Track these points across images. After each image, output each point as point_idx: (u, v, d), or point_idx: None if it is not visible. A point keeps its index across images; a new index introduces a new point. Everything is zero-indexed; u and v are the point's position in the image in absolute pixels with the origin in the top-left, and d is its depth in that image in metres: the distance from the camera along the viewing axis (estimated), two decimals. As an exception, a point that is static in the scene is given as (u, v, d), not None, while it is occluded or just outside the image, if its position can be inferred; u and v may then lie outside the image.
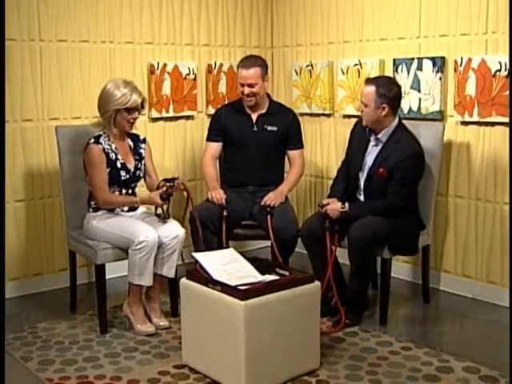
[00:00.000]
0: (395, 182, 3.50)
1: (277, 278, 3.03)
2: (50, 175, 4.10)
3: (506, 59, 3.64)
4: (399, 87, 3.58)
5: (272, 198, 3.84)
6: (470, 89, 3.81)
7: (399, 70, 4.13)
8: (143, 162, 3.70)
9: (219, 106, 4.28)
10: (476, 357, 3.19)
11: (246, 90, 3.89)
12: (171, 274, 3.58)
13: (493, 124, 3.78)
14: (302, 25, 4.74)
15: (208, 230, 3.77)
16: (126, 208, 3.64)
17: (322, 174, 4.79)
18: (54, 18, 4.02)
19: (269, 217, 3.75)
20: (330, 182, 3.97)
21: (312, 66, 4.66)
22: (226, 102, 4.39)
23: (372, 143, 3.63)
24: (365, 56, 4.35)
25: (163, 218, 3.57)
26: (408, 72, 4.08)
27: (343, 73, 4.47)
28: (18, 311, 3.82)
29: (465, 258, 4.03)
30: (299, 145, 4.08)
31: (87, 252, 3.60)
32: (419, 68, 4.03)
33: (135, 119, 3.59)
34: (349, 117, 4.46)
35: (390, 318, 3.64)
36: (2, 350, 2.72)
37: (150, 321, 3.56)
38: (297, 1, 4.80)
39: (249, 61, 3.92)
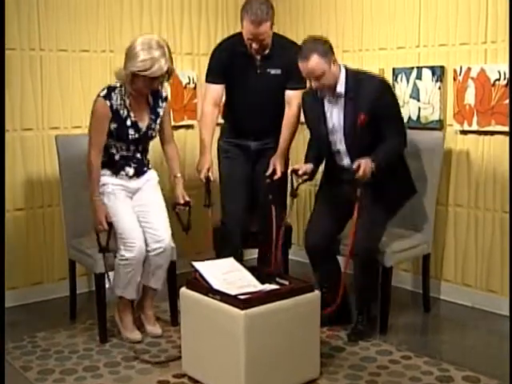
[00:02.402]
0: (386, 119, 3.36)
1: (276, 287, 3.04)
2: (50, 184, 4.11)
3: (505, 68, 3.65)
4: (319, 37, 3.43)
5: (274, 167, 3.69)
6: (470, 98, 3.83)
7: (399, 79, 4.14)
8: (158, 121, 3.51)
9: (218, 44, 3.89)
10: (476, 366, 3.19)
11: (255, 45, 3.59)
12: (158, 286, 3.58)
13: (492, 133, 3.79)
14: (301, 34, 4.69)
15: (232, 245, 3.80)
16: (131, 172, 3.49)
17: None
18: (54, 27, 4.05)
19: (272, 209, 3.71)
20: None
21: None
22: (225, 38, 3.94)
23: (329, 103, 3.46)
24: (364, 65, 4.35)
25: None
26: (407, 81, 4.09)
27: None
28: (18, 320, 3.83)
29: (465, 267, 4.04)
30: (298, 84, 3.71)
31: (87, 261, 3.61)
32: (419, 77, 4.05)
33: (154, 87, 3.35)
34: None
35: (391, 327, 3.65)
36: (2, 359, 2.72)
37: (139, 328, 3.55)
38: (296, 10, 4.82)
39: (258, 13, 3.47)
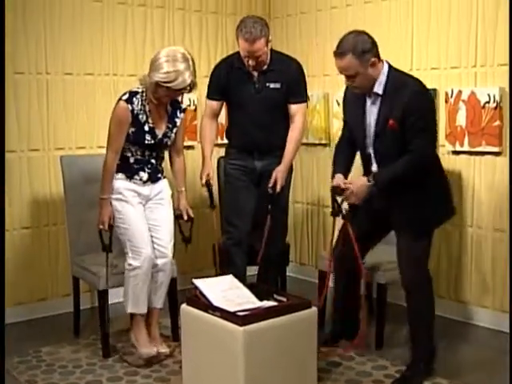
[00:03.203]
0: (412, 131, 3.06)
1: (275, 304, 3.09)
2: (55, 203, 4.20)
3: (494, 91, 3.77)
4: (365, 32, 3.15)
5: (276, 179, 3.71)
6: (461, 119, 3.93)
7: (393, 101, 4.24)
8: (174, 131, 3.53)
9: (217, 63, 3.94)
10: (469, 380, 3.27)
11: (251, 61, 3.62)
12: (161, 305, 3.61)
13: (483, 153, 3.90)
14: (298, 57, 4.79)
15: (236, 267, 3.80)
16: (145, 177, 3.50)
17: (318, 202, 4.89)
18: (60, 52, 4.17)
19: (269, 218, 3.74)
20: (327, 210, 4.01)
21: (308, 97, 4.76)
22: (224, 57, 4.02)
23: (369, 102, 3.22)
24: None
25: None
26: (401, 103, 4.19)
27: (339, 104, 4.51)
28: (23, 335, 3.89)
29: (458, 284, 4.13)
30: (301, 98, 3.80)
31: (90, 278, 3.68)
32: (412, 99, 4.15)
33: (176, 97, 3.41)
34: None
35: (386, 343, 3.71)
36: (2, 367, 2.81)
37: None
38: (293, 34, 4.95)
39: (251, 31, 3.53)
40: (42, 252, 4.23)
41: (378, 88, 3.14)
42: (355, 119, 3.27)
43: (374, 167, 3.25)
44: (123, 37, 4.43)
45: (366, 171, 3.29)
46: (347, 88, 3.36)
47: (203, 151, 3.87)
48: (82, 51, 4.25)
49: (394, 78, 3.14)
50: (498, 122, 3.78)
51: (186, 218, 3.64)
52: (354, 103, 3.29)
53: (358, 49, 3.04)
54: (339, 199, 3.26)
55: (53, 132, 4.19)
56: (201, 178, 3.84)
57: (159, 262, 3.53)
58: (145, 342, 3.53)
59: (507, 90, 3.75)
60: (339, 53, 3.08)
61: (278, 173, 3.75)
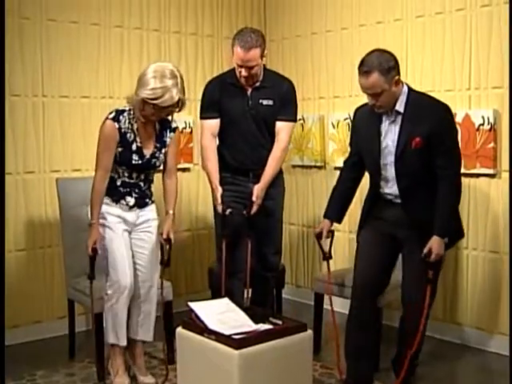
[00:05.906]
0: (442, 150, 3.07)
1: (270, 327, 3.08)
2: (51, 225, 4.20)
3: (488, 114, 3.80)
4: (387, 51, 3.15)
5: (254, 200, 3.64)
6: (456, 142, 3.98)
7: (387, 123, 4.26)
8: (163, 151, 3.40)
9: (209, 80, 3.90)
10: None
11: (244, 72, 3.59)
12: (149, 338, 3.55)
13: (477, 175, 3.92)
14: (294, 80, 4.85)
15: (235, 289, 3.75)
16: (131, 202, 3.39)
17: (314, 224, 4.88)
18: (56, 75, 4.19)
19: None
20: (322, 232, 4.02)
21: (304, 119, 4.81)
22: (216, 75, 4.01)
23: (387, 122, 3.17)
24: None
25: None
26: (396, 126, 4.21)
27: (334, 126, 4.61)
28: (18, 358, 3.86)
29: (453, 305, 4.13)
30: (289, 116, 3.75)
31: (86, 301, 3.66)
32: (407, 122, 4.18)
33: (163, 116, 3.29)
34: (340, 169, 4.56)
35: (382, 365, 3.68)
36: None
37: (133, 376, 3.53)
38: (289, 57, 4.98)
39: (248, 40, 3.55)
40: (37, 274, 4.21)
41: (400, 106, 3.11)
42: (368, 142, 3.23)
43: (394, 189, 3.19)
44: (119, 60, 4.45)
45: (379, 197, 3.28)
46: (357, 112, 3.38)
47: (210, 175, 3.72)
48: (78, 74, 4.27)
49: (414, 97, 3.14)
50: (492, 144, 3.81)
51: (165, 236, 3.42)
52: (366, 126, 3.26)
53: (384, 66, 3.02)
54: (323, 244, 3.37)
55: (48, 154, 4.20)
56: (216, 207, 3.70)
57: (142, 291, 3.47)
58: (121, 373, 3.43)
59: (501, 111, 3.78)
60: (365, 71, 3.03)
61: (256, 191, 3.66)
